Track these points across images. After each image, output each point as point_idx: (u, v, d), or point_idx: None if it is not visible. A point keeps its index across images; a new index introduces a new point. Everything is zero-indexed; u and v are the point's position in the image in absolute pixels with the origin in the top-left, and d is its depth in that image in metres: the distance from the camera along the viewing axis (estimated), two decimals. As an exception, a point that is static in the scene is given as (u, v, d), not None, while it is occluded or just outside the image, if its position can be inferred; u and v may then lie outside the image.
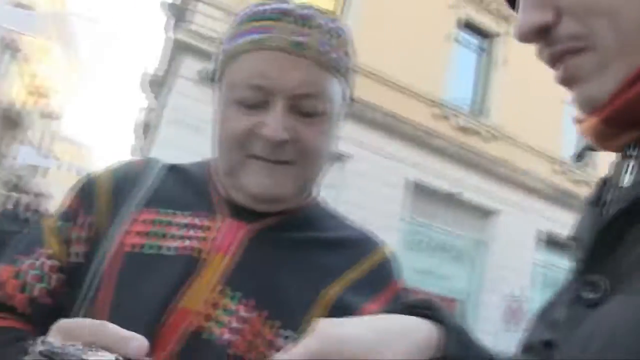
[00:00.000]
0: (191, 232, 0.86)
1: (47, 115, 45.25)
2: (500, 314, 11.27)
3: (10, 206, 9.77)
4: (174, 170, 0.98)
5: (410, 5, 11.58)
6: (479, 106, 12.65)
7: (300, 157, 0.84)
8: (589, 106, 0.52)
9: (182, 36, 9.52)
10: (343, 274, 0.87)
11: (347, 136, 10.41)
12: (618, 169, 0.55)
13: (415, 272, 11.28)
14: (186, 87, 9.26)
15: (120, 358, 0.53)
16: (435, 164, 11.30)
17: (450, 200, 11.64)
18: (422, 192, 11.35)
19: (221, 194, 0.91)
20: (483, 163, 11.80)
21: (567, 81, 0.53)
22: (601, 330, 0.44)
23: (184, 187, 0.94)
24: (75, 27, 12.73)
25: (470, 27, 12.68)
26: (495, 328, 10.74)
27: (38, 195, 12.43)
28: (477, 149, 11.77)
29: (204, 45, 9.06)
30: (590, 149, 0.60)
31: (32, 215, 8.75)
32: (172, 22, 9.90)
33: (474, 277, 11.96)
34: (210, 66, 0.96)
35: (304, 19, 0.84)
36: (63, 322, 0.56)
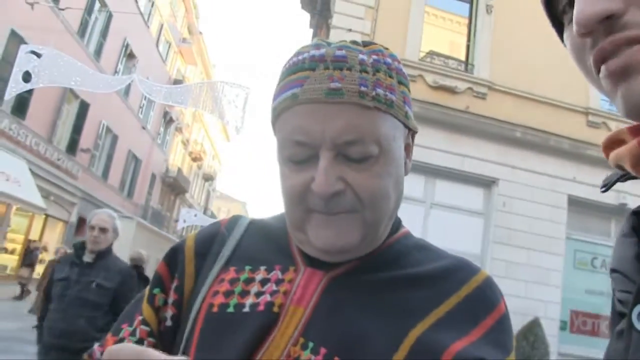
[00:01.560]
0: (272, 287, 0.86)
1: (206, 177, 48.44)
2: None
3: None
4: (255, 225, 1.00)
5: (539, 18, 11.19)
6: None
7: (360, 204, 0.81)
8: None
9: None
10: (433, 310, 0.81)
11: (498, 159, 10.23)
12: None
13: (587, 294, 10.63)
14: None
15: None
16: (594, 176, 10.66)
17: (618, 213, 10.88)
18: (585, 207, 10.74)
19: (299, 248, 0.90)
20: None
21: (624, 72, 0.49)
22: None
23: (265, 243, 0.95)
24: (222, 92, 13.64)
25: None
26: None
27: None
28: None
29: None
30: (622, 178, 0.60)
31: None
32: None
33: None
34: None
35: (339, 62, 0.81)
36: (109, 349, 0.59)
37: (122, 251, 8.81)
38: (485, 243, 10.13)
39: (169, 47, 33.70)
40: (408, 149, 0.93)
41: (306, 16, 15.17)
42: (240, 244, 0.96)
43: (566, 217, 10.54)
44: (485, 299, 0.86)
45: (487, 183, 10.40)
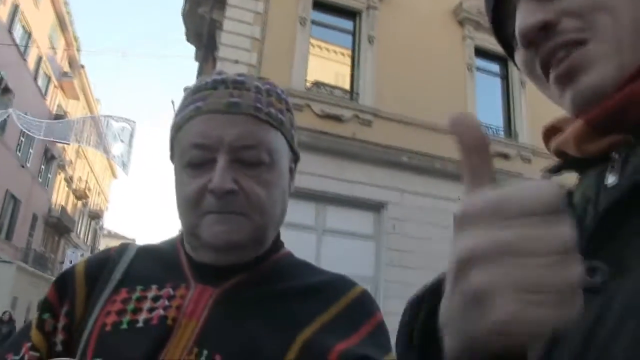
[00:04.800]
0: (165, 302, 0.89)
1: (93, 216, 46.36)
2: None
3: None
4: (145, 249, 1.04)
5: (424, 44, 11.82)
6: (513, 128, 12.65)
7: (251, 208, 0.87)
8: (591, 97, 0.57)
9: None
10: (317, 318, 0.89)
11: (386, 184, 10.54)
12: (588, 179, 0.61)
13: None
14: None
15: None
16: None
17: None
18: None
19: (190, 262, 0.95)
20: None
21: (570, 74, 0.58)
22: (610, 314, 0.47)
23: (155, 263, 0.99)
24: (106, 127, 13.27)
25: (486, 54, 12.79)
26: None
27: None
28: (517, 170, 11.69)
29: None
30: (561, 168, 0.67)
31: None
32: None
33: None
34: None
35: (238, 84, 0.92)
36: None
37: (1, 299, 8.23)
38: (377, 266, 10.32)
39: (49, 81, 32.18)
40: (292, 172, 1.01)
41: (191, 49, 15.06)
42: (131, 267, 0.98)
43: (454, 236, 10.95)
44: (364, 309, 0.95)
45: (376, 207, 10.65)
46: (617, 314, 0.46)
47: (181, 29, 14.36)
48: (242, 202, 0.87)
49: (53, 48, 31.46)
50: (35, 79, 29.54)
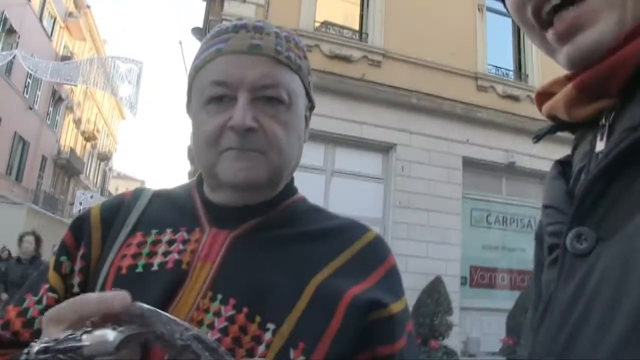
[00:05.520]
0: (180, 246, 0.90)
1: (102, 157, 46.53)
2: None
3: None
4: (159, 195, 1.05)
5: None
6: (523, 70, 12.51)
7: (269, 147, 0.88)
8: (588, 57, 0.56)
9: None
10: (330, 262, 0.90)
11: (395, 125, 10.51)
12: (579, 144, 0.63)
13: (484, 250, 11.25)
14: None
15: (115, 327, 0.56)
16: (486, 137, 11.20)
17: (507, 171, 11.53)
18: (478, 167, 11.30)
19: (205, 206, 0.96)
20: (534, 127, 11.60)
21: (569, 32, 0.57)
22: (591, 279, 0.49)
23: (170, 208, 0.99)
24: (113, 68, 13.16)
25: (497, -6, 12.52)
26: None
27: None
28: (526, 113, 11.63)
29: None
30: (554, 130, 0.68)
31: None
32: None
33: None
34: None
35: (258, 28, 0.93)
36: (50, 312, 0.63)
37: (13, 240, 8.36)
38: (386, 207, 10.43)
39: (54, 22, 31.74)
40: (307, 120, 1.02)
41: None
42: (146, 211, 0.99)
43: (462, 178, 11.03)
44: (376, 253, 0.96)
45: (385, 149, 10.68)
46: (596, 278, 0.49)
47: (187, -34, 14.05)
48: (262, 140, 0.88)
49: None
50: (41, 19, 29.12)
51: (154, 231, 0.94)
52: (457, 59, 11.41)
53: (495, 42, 12.34)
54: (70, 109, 36.27)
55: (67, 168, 36.01)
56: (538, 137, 0.73)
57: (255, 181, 0.89)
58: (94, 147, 44.00)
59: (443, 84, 11.06)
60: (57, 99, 33.38)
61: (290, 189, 1.01)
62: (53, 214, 29.73)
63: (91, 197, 23.11)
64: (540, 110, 0.67)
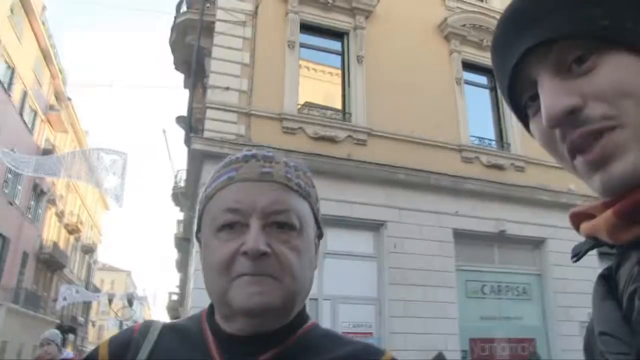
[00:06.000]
0: None
1: (86, 250, 45.88)
2: (582, 341, 10.84)
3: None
4: (168, 329, 1.03)
5: (412, 61, 11.91)
6: (504, 139, 12.74)
7: (283, 272, 0.88)
8: (621, 185, 0.58)
9: (197, 145, 9.73)
10: None
11: (384, 202, 10.53)
12: (623, 262, 0.63)
13: (482, 320, 11.07)
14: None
15: None
16: (474, 208, 11.25)
17: (498, 240, 11.52)
18: (469, 238, 11.27)
19: (217, 339, 0.94)
20: (521, 194, 11.70)
21: (601, 161, 0.59)
22: None
23: (181, 343, 0.97)
24: (97, 160, 13.18)
25: (474, 67, 12.91)
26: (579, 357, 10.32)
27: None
28: (512, 181, 11.74)
29: (219, 149, 9.35)
30: (593, 247, 0.68)
31: None
32: (189, 135, 10.21)
33: (542, 310, 11.62)
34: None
35: (268, 158, 0.97)
36: None
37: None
38: (380, 285, 10.28)
39: (35, 115, 31.95)
40: (316, 248, 1.02)
41: (181, 77, 15.05)
42: (156, 348, 0.97)
43: (454, 250, 10.99)
44: None
45: (376, 227, 10.65)
46: None
47: (169, 58, 14.37)
48: (275, 266, 0.88)
49: (38, 82, 31.34)
50: (21, 113, 29.32)
51: None
52: (441, 132, 11.63)
53: (475, 113, 12.62)
54: (52, 202, 35.99)
55: (50, 263, 35.34)
56: (578, 257, 0.71)
57: (270, 306, 0.87)
58: (77, 239, 43.45)
59: (428, 158, 11.19)
60: (39, 192, 33.18)
61: (303, 316, 1.00)
62: (35, 312, 28.95)
63: (76, 291, 22.58)
64: (577, 230, 0.69)
